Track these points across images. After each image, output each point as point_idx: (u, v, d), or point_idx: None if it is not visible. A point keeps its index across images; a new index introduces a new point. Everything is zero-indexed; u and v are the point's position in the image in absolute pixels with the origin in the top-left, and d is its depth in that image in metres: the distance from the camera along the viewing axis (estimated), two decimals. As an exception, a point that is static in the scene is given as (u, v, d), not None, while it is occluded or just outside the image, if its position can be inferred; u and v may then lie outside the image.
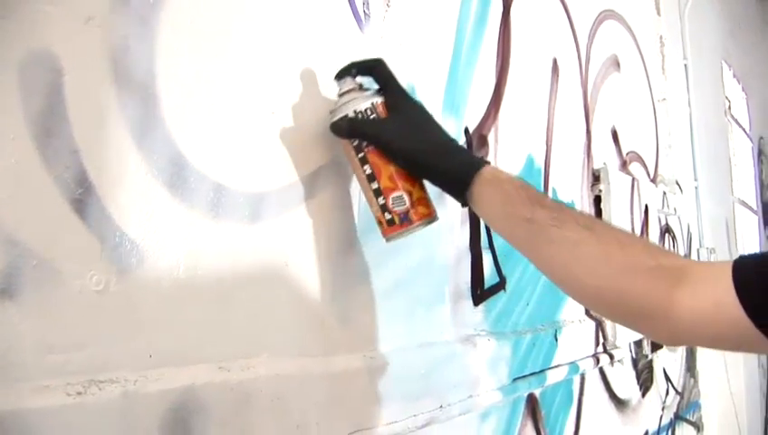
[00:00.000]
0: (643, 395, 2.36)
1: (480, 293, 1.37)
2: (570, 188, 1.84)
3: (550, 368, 1.57)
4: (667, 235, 2.67)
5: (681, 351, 2.87)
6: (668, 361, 2.66)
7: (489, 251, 1.41)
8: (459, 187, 0.94)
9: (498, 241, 1.43)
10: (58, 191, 0.68)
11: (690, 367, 3.01)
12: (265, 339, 0.90)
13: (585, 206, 1.95)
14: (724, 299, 0.75)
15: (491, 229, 0.93)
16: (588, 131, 2.01)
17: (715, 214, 3.56)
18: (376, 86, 0.99)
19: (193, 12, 0.84)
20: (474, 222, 1.36)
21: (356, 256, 1.06)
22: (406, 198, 0.95)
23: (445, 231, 1.28)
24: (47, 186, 0.67)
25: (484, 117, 1.43)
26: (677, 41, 3.16)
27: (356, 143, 0.96)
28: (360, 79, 0.99)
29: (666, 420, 2.58)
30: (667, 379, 2.64)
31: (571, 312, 1.80)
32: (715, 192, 3.58)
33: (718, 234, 3.58)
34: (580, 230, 0.86)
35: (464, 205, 0.97)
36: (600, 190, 2.00)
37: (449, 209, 1.28)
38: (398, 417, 1.08)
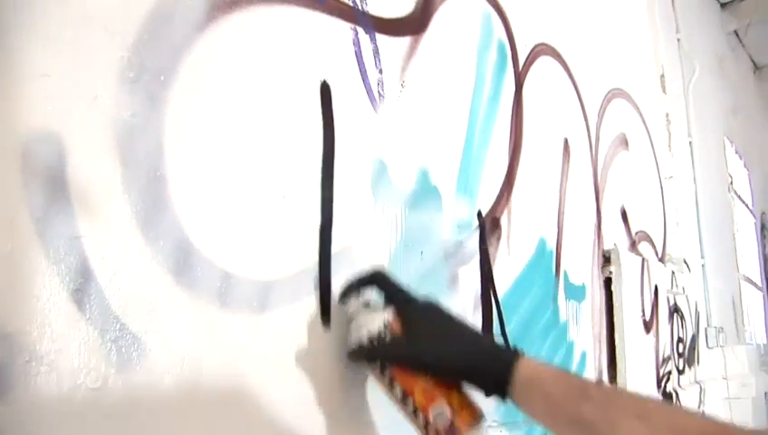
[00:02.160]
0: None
1: (492, 381, 1.31)
2: (581, 270, 1.80)
3: None
4: (675, 315, 2.62)
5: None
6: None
7: (502, 337, 1.36)
8: (498, 389, 0.87)
9: (510, 327, 1.39)
10: (57, 280, 0.64)
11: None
12: (271, 436, 0.85)
13: (596, 290, 1.91)
14: None
15: (539, 423, 0.86)
16: (598, 211, 1.99)
17: (722, 292, 3.53)
18: (381, 300, 0.94)
19: (203, 91, 0.81)
20: (486, 308, 1.32)
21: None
22: (447, 411, 0.86)
23: (458, 318, 1.23)
24: (45, 274, 0.63)
25: (497, 199, 1.40)
26: (682, 118, 3.17)
27: (379, 366, 0.90)
28: (364, 296, 0.94)
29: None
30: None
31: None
32: (721, 270, 3.55)
33: (725, 312, 3.54)
34: (633, 423, 0.77)
35: (507, 402, 0.88)
36: (611, 272, 1.96)
37: (461, 295, 1.24)
38: None
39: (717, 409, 3.14)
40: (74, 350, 0.65)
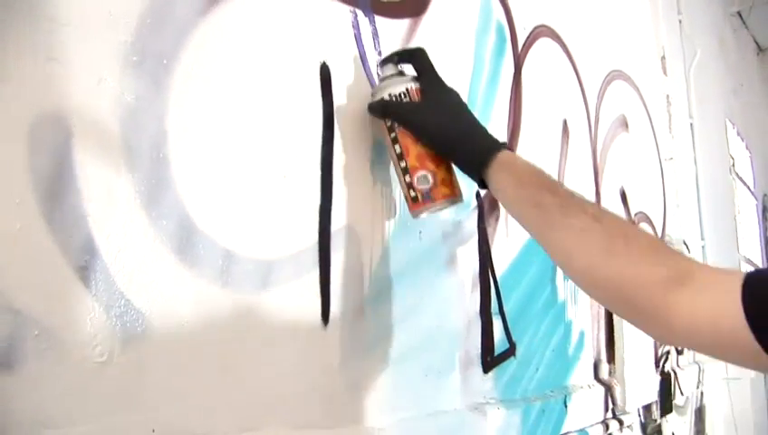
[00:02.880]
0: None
1: (490, 359, 1.34)
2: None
3: (561, 435, 1.53)
4: (674, 295, 2.63)
5: (690, 415, 2.82)
6: (678, 425, 2.61)
7: (499, 316, 1.38)
8: (476, 168, 0.96)
9: (508, 306, 1.41)
10: (63, 258, 0.66)
11: (699, 430, 2.95)
12: (272, 410, 0.87)
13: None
14: (728, 310, 0.73)
15: (507, 210, 0.97)
16: (597, 193, 2.00)
17: (722, 273, 3.53)
18: (414, 73, 1.03)
19: (205, 74, 0.82)
20: (484, 287, 1.34)
21: (365, 324, 1.03)
22: (430, 177, 0.99)
23: (455, 297, 1.25)
24: (52, 252, 0.65)
25: (495, 180, 1.41)
26: (683, 100, 3.18)
27: (389, 124, 1.01)
28: (401, 66, 1.04)
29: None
30: (677, 443, 2.58)
31: (581, 376, 1.76)
32: (721, 251, 3.56)
33: (725, 294, 3.54)
34: (587, 219, 0.86)
35: (481, 186, 0.99)
36: (610, 252, 1.97)
37: (459, 275, 1.26)
38: (407, 491, 1.04)
39: (716, 388, 3.17)
40: (81, 324, 0.67)
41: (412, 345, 1.12)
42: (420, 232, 1.16)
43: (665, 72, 2.94)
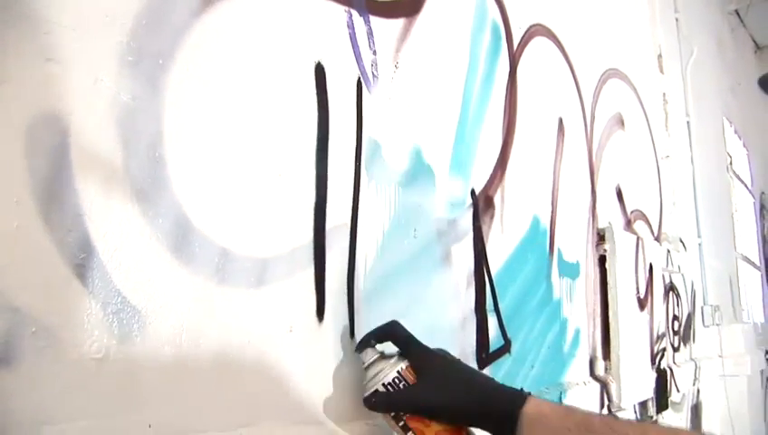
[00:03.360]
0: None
1: (485, 356, 1.34)
2: (575, 248, 1.83)
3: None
4: (670, 293, 2.65)
5: (686, 411, 2.83)
6: (674, 421, 2.62)
7: (494, 314, 1.39)
8: (506, 430, 0.92)
9: (503, 303, 1.42)
10: (60, 256, 0.67)
11: (696, 427, 2.96)
12: (267, 407, 0.88)
13: (590, 267, 1.94)
14: None
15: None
16: (593, 190, 2.01)
17: (719, 271, 3.55)
18: (396, 350, 0.99)
19: (201, 74, 0.83)
20: (479, 285, 1.35)
21: (362, 320, 1.04)
22: None
23: (450, 294, 1.26)
24: (49, 251, 0.66)
25: (490, 178, 1.42)
26: (680, 98, 3.19)
27: (393, 414, 0.95)
28: (380, 346, 0.99)
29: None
30: (673, 440, 2.59)
31: (576, 373, 1.77)
32: (718, 249, 3.57)
33: (722, 291, 3.56)
34: None
35: None
36: (605, 250, 1.99)
37: (454, 273, 1.27)
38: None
39: (712, 386, 3.18)
40: (78, 322, 0.68)
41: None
42: (415, 230, 1.17)
43: (661, 71, 2.95)
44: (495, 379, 0.98)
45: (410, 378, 0.95)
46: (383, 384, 0.94)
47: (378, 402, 0.95)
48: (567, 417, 0.91)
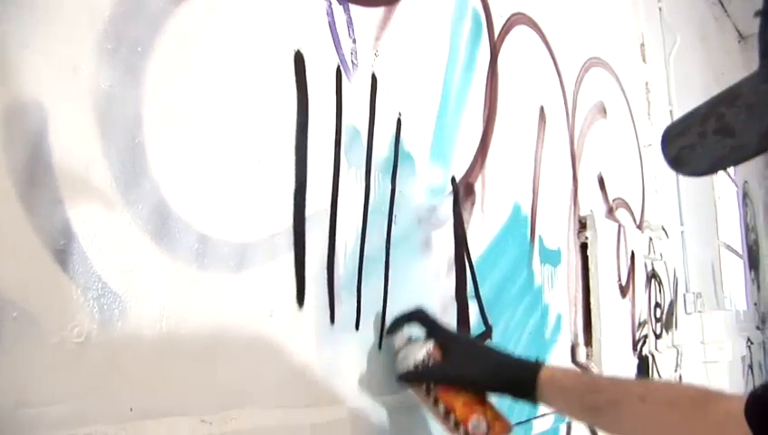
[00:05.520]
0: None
1: (466, 342, 1.36)
2: (556, 235, 1.84)
3: (536, 417, 1.56)
4: (652, 280, 2.67)
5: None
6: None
7: (475, 300, 1.40)
8: (525, 394, 1.06)
9: (484, 290, 1.43)
10: (40, 241, 0.68)
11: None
12: (248, 391, 0.89)
13: (572, 254, 1.95)
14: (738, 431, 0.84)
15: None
16: (574, 178, 2.02)
17: (701, 258, 3.58)
18: (422, 333, 1.12)
19: (180, 61, 0.84)
20: (460, 271, 1.36)
21: (341, 307, 1.05)
22: (482, 421, 1.05)
23: (431, 280, 1.27)
24: (30, 236, 0.67)
25: (471, 165, 1.43)
26: (663, 87, 3.20)
27: (425, 387, 1.07)
28: (407, 331, 1.12)
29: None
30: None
31: (558, 359, 1.79)
32: (700, 237, 3.60)
33: (704, 278, 3.59)
34: (635, 404, 0.97)
35: (535, 404, 1.08)
36: (587, 237, 2.00)
37: (434, 259, 1.28)
38: (382, 471, 1.07)
39: (694, 372, 3.21)
40: (59, 307, 0.69)
41: (387, 327, 1.14)
42: (395, 216, 1.18)
43: (644, 60, 2.96)
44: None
45: (437, 356, 1.08)
46: (414, 363, 1.07)
47: (411, 378, 1.09)
48: (577, 379, 1.07)
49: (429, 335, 1.11)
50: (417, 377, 1.08)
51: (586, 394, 1.03)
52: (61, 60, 0.71)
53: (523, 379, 1.06)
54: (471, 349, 1.12)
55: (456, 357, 1.09)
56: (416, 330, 1.12)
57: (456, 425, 1.05)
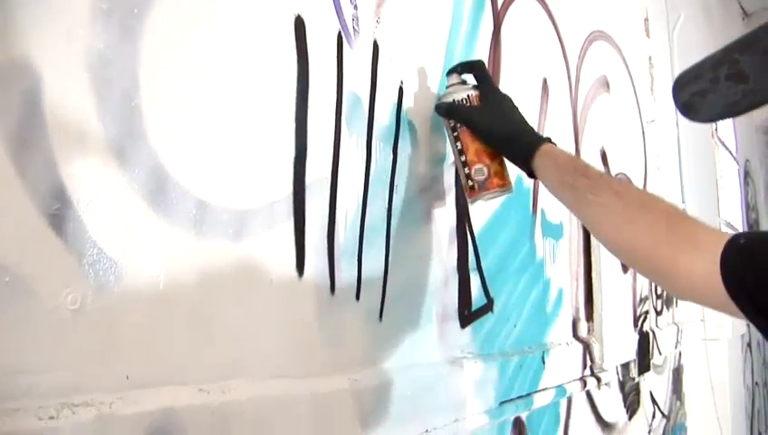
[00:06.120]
0: (630, 418, 2.34)
1: (467, 314, 1.35)
2: (558, 208, 1.83)
3: (537, 391, 1.55)
4: (654, 256, 2.65)
5: (668, 373, 2.86)
6: (655, 383, 2.65)
7: (477, 272, 1.39)
8: (524, 158, 1.15)
9: (486, 262, 1.42)
10: (33, 205, 0.66)
11: (677, 390, 3.00)
12: (248, 360, 0.88)
13: (574, 228, 1.94)
14: (711, 270, 0.86)
15: (551, 193, 1.18)
16: (577, 151, 2.01)
17: (703, 236, 3.56)
18: (475, 82, 1.23)
19: (178, 23, 0.82)
20: (462, 243, 1.35)
21: (341, 276, 1.03)
22: (485, 169, 1.19)
23: (433, 251, 1.26)
24: (23, 200, 0.65)
25: (473, 136, 1.41)
26: (666, 62, 3.17)
27: (452, 124, 1.21)
28: (464, 75, 1.24)
29: (652, 444, 2.57)
30: (654, 402, 2.63)
31: (559, 334, 1.79)
32: (702, 214, 3.56)
33: (705, 256, 3.57)
34: (611, 197, 1.03)
35: (530, 175, 1.17)
36: (590, 211, 1.98)
37: (436, 229, 1.27)
38: (384, 441, 1.06)
39: (694, 349, 3.21)
40: (53, 272, 0.67)
41: (389, 297, 1.13)
42: (396, 186, 1.16)
43: (647, 35, 2.93)
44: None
45: (475, 102, 1.21)
46: (453, 99, 1.21)
47: (444, 110, 1.22)
48: (570, 160, 1.16)
49: (478, 84, 1.22)
50: (451, 112, 1.21)
51: (572, 173, 1.09)
52: (55, 20, 0.69)
53: (525, 145, 1.16)
54: (502, 106, 1.21)
55: (487, 109, 1.20)
56: (470, 77, 1.24)
57: (464, 165, 1.20)
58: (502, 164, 1.21)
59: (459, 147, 1.20)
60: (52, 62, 0.68)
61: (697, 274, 0.90)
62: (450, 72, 1.25)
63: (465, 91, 1.21)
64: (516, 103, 1.23)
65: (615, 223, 1.03)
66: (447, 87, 1.24)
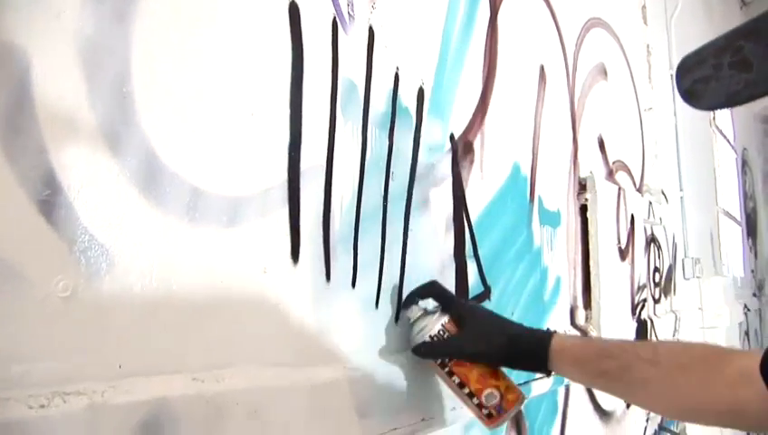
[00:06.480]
0: (627, 406, 2.34)
1: (464, 302, 1.34)
2: (556, 196, 1.82)
3: (534, 379, 1.55)
4: (652, 244, 2.66)
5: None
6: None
7: (474, 260, 1.38)
8: (538, 366, 1.10)
9: (483, 250, 1.41)
10: (24, 192, 0.65)
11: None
12: (242, 349, 0.87)
13: (572, 216, 1.93)
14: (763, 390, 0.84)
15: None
16: (574, 139, 2.00)
17: (700, 224, 3.57)
18: (436, 306, 1.15)
19: (171, 8, 0.81)
20: (459, 230, 1.34)
21: (336, 264, 1.02)
22: (496, 392, 1.09)
23: (430, 240, 1.25)
24: (12, 186, 0.64)
25: (470, 123, 1.40)
26: (664, 50, 3.16)
27: (440, 361, 1.11)
28: (422, 303, 1.14)
29: (650, 432, 2.57)
30: (652, 390, 2.62)
31: (557, 322, 1.78)
32: (700, 202, 3.58)
33: (703, 244, 3.58)
34: (646, 369, 0.99)
35: (548, 375, 1.12)
36: (587, 199, 1.98)
37: (432, 217, 1.26)
38: (380, 430, 1.05)
39: (691, 337, 3.21)
40: (44, 259, 0.67)
41: (385, 287, 1.12)
42: (393, 172, 1.15)
43: (645, 22, 2.92)
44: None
45: (452, 330, 1.10)
46: (429, 336, 1.10)
47: (426, 352, 1.11)
48: (587, 347, 1.10)
49: (445, 308, 1.13)
50: (434, 351, 1.10)
51: (595, 361, 1.05)
52: (45, 4, 0.68)
53: (535, 352, 1.09)
54: (485, 323, 1.13)
55: (471, 332, 1.10)
56: (430, 302, 1.15)
57: (470, 396, 1.09)
58: (506, 377, 1.12)
59: (457, 381, 1.10)
60: (42, 47, 0.67)
61: (759, 402, 0.87)
62: (406, 306, 1.14)
63: (437, 321, 1.11)
64: (486, 304, 1.21)
65: (663, 394, 0.99)
66: (412, 323, 1.13)
